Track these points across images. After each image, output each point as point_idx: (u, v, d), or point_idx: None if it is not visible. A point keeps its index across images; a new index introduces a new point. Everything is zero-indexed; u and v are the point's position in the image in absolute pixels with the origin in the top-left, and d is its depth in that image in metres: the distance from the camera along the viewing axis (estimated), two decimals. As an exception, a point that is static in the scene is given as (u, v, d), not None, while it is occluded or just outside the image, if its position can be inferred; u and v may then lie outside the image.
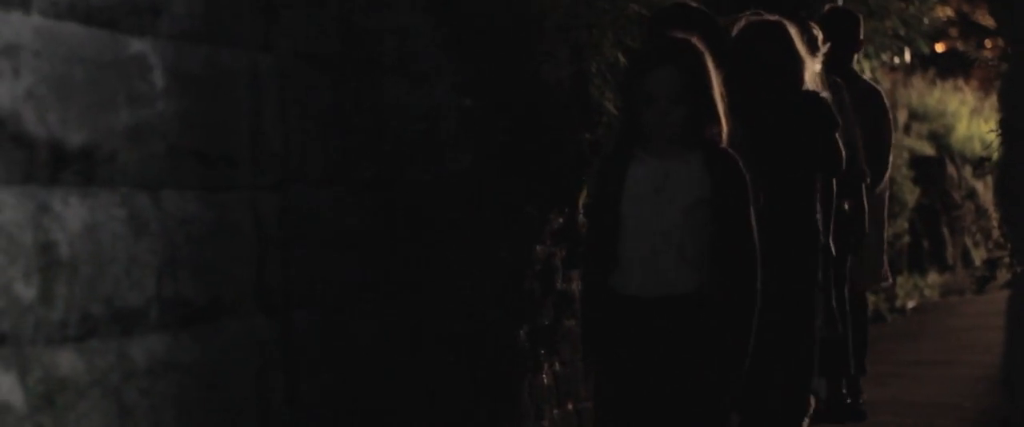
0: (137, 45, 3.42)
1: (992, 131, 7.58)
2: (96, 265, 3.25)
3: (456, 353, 5.00)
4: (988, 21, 17.08)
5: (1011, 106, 3.59)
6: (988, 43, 19.18)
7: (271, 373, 3.91)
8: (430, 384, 4.80)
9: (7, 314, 2.99)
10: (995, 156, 6.80)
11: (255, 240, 3.85)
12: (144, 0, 3.45)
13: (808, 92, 5.97)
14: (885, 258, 7.73)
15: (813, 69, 6.13)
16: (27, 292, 3.04)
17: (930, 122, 16.65)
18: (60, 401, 3.13)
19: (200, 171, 3.63)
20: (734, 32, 5.98)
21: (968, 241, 16.15)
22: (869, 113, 7.29)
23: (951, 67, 19.17)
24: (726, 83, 4.45)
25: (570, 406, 6.09)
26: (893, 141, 7.86)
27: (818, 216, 5.95)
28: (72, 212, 3.18)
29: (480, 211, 5.23)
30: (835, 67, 6.94)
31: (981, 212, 16.09)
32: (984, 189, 16.13)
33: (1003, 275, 7.89)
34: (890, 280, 8.12)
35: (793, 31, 5.94)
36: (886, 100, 7.87)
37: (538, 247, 5.79)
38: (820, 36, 6.49)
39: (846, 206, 6.80)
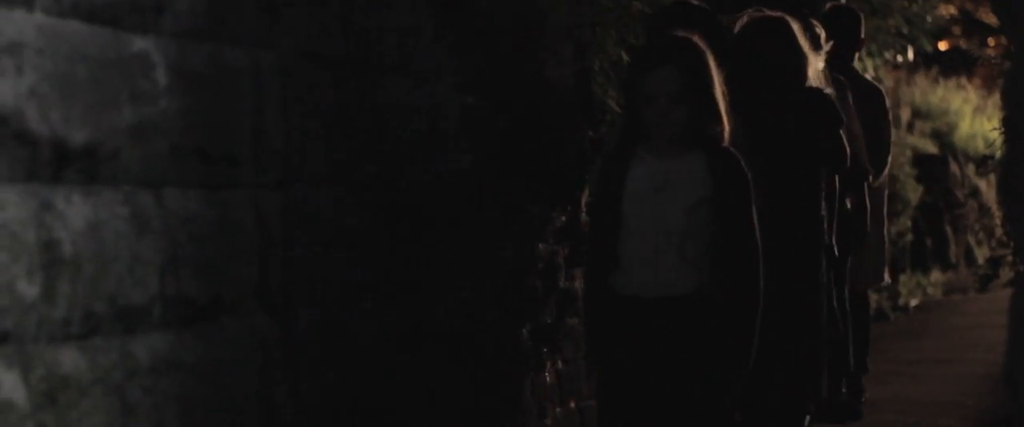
0: (140, 43, 3.42)
1: (995, 129, 7.59)
2: (99, 263, 3.25)
3: (456, 353, 5.00)
4: (991, 19, 17.08)
5: (1014, 104, 3.58)
6: (991, 41, 19.19)
7: (273, 372, 3.91)
8: (430, 384, 4.80)
9: (10, 312, 3.00)
10: (998, 154, 6.81)
11: (257, 239, 3.85)
12: (146, -1, 3.45)
13: (812, 88, 5.96)
14: (886, 257, 7.72)
15: (816, 66, 6.11)
16: (30, 290, 3.05)
17: (933, 120, 16.64)
18: (63, 399, 3.13)
19: (202, 169, 3.63)
20: (736, 29, 5.97)
21: (971, 239, 16.14)
22: (869, 111, 7.30)
23: (954, 65, 19.17)
24: (728, 81, 4.44)
25: (573, 404, 6.09)
26: (893, 139, 7.86)
27: (823, 214, 5.94)
28: (75, 210, 3.19)
29: (481, 210, 5.23)
30: (836, 65, 6.94)
31: (984, 210, 16.08)
32: (987, 187, 16.12)
33: (1006, 273, 7.89)
34: (889, 279, 8.12)
35: (796, 27, 5.93)
36: (887, 99, 7.87)
37: (540, 246, 5.79)
38: (823, 34, 6.49)
39: (848, 204, 6.80)
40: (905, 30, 11.90)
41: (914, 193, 13.44)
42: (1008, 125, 3.79)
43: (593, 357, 4.61)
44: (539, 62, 5.75)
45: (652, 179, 4.31)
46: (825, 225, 5.97)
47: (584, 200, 6.04)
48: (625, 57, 6.22)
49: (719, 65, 4.40)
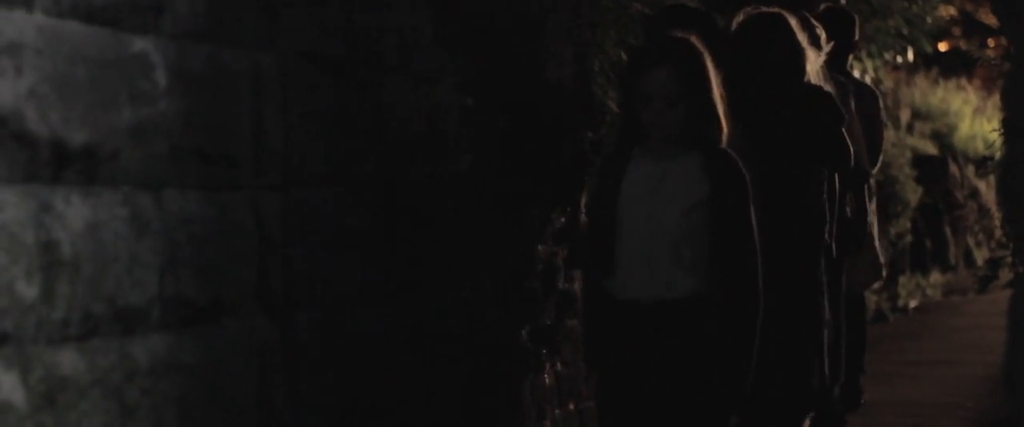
0: (139, 44, 3.42)
1: (995, 130, 7.58)
2: (98, 264, 3.25)
3: (455, 354, 5.00)
4: (991, 20, 17.08)
5: (1014, 105, 3.58)
6: (991, 42, 19.19)
7: (272, 373, 3.91)
8: (430, 384, 4.80)
9: (9, 313, 2.99)
10: (998, 155, 6.80)
11: (256, 240, 3.85)
12: (146, -1, 3.45)
13: (811, 85, 5.94)
14: (881, 258, 7.73)
15: (816, 63, 6.10)
16: (29, 291, 3.04)
17: (933, 121, 16.64)
18: (62, 401, 3.13)
19: (202, 170, 3.63)
20: (733, 26, 5.97)
21: (970, 241, 16.14)
22: (863, 112, 7.30)
23: (954, 66, 19.17)
24: (726, 81, 4.43)
25: (572, 406, 6.09)
26: (893, 141, 7.88)
27: (824, 213, 5.93)
28: (74, 211, 3.18)
29: (481, 211, 5.23)
30: (831, 66, 6.94)
31: (983, 212, 16.09)
32: (987, 188, 16.12)
33: (1005, 275, 7.88)
34: (884, 276, 8.12)
35: (794, 22, 5.92)
36: (880, 100, 7.88)
37: (540, 247, 5.79)
38: (824, 35, 6.49)
39: (847, 209, 6.80)
40: (905, 31, 11.90)
41: (914, 194, 13.44)
42: (1008, 126, 3.79)
43: (591, 361, 4.59)
44: (539, 63, 5.75)
45: (648, 181, 4.30)
46: (825, 224, 5.96)
47: (584, 201, 6.04)
48: (625, 58, 6.22)
49: (717, 66, 4.39)
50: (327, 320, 4.18)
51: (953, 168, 15.96)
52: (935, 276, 14.60)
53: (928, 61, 17.91)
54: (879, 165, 7.74)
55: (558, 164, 5.87)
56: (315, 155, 4.14)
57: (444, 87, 4.96)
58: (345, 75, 4.32)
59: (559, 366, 5.96)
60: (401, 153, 4.64)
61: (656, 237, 4.25)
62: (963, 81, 19.04)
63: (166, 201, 3.49)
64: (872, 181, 7.62)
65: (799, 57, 5.87)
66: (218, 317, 3.68)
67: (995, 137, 7.31)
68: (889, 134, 13.16)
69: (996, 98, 15.52)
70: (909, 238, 13.78)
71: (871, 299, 11.41)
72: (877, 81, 12.62)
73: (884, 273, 7.80)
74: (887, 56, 12.57)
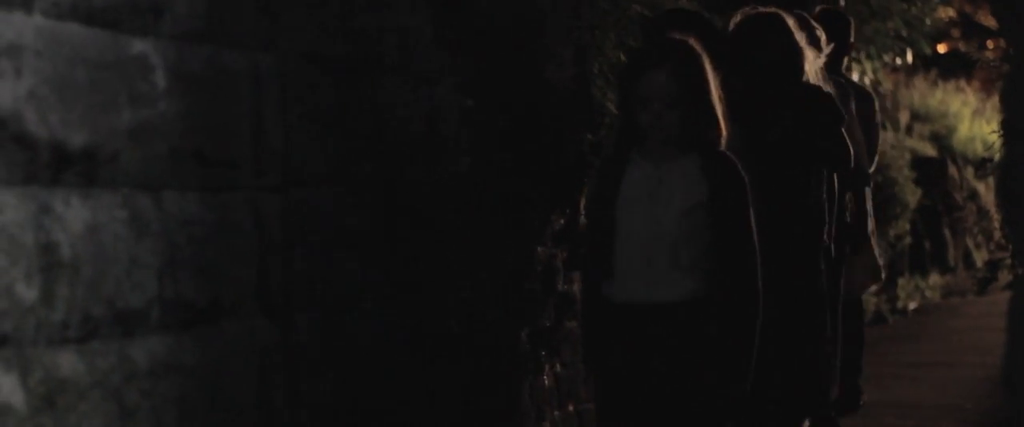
0: (139, 45, 3.42)
1: (994, 132, 7.58)
2: (97, 266, 3.25)
3: (455, 355, 5.00)
4: (990, 22, 17.09)
5: (1013, 107, 3.59)
6: (990, 44, 19.18)
7: (272, 374, 3.91)
8: (430, 384, 4.80)
9: (8, 315, 2.99)
10: (997, 157, 6.80)
11: (256, 241, 3.85)
12: (146, 0, 3.45)
13: (810, 85, 5.93)
14: (879, 260, 7.73)
15: (815, 63, 6.09)
16: (28, 293, 3.04)
17: (932, 123, 16.64)
18: (61, 402, 3.13)
19: (201, 172, 3.63)
20: (731, 27, 5.96)
21: (970, 242, 16.14)
22: (860, 115, 7.30)
23: (953, 68, 19.17)
24: (724, 83, 4.43)
25: (571, 407, 6.09)
26: (892, 143, 7.88)
27: (823, 214, 5.92)
28: (73, 213, 3.18)
29: (481, 212, 5.23)
30: (827, 68, 6.94)
31: (983, 213, 16.08)
32: (986, 190, 16.12)
33: (1005, 276, 7.88)
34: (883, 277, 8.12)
35: (792, 22, 5.91)
36: (876, 103, 7.88)
37: (539, 248, 5.79)
38: (823, 36, 6.48)
39: (847, 213, 6.79)
40: (904, 33, 11.90)
41: (913, 196, 13.43)
42: (1007, 128, 3.79)
43: (590, 363, 4.59)
44: (538, 64, 5.75)
45: (646, 184, 4.29)
46: (824, 226, 5.95)
47: (583, 202, 6.03)
48: (624, 60, 6.21)
49: (715, 68, 4.39)
50: (327, 320, 4.18)
51: (952, 170, 15.96)
52: (934, 278, 14.60)
53: (927, 63, 17.91)
54: (875, 167, 7.74)
55: (558, 165, 5.87)
56: (315, 156, 4.14)
57: (444, 87, 4.96)
58: (345, 75, 4.32)
59: (558, 368, 5.95)
60: (401, 153, 4.64)
61: (655, 239, 4.25)
62: (962, 83, 19.04)
63: (166, 202, 3.49)
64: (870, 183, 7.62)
65: (797, 57, 5.86)
66: (218, 318, 3.68)
67: (994, 139, 7.30)
68: (888, 136, 13.18)
69: (995, 100, 15.52)
70: (908, 240, 13.78)
71: (870, 301, 11.41)
72: (876, 83, 12.62)
73: (883, 275, 7.79)
74: (886, 58, 12.57)
